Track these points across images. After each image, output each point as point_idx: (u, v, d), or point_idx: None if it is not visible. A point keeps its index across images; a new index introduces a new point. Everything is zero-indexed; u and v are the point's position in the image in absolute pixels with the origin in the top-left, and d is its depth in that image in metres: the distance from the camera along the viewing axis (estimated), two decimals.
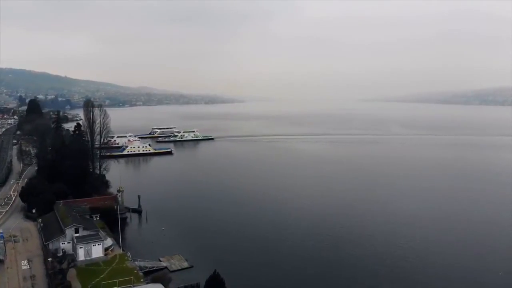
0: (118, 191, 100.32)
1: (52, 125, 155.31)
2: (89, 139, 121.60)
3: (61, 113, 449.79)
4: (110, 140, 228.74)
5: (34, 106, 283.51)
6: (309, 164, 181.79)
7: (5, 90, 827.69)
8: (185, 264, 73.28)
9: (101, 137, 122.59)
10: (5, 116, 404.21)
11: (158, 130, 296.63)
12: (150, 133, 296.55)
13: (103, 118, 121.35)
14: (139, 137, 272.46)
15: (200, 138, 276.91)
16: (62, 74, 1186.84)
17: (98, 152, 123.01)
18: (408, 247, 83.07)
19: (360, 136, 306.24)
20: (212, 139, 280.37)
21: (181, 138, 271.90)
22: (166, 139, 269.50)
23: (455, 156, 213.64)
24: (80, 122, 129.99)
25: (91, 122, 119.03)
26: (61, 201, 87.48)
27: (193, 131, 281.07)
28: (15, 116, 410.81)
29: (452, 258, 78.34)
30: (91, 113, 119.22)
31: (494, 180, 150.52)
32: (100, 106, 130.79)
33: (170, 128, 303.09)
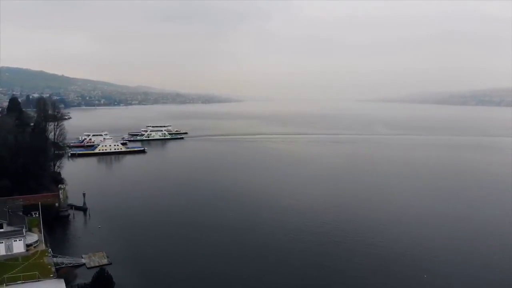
0: (60, 188, 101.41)
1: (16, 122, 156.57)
2: (45, 136, 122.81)
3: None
4: (85, 138, 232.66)
5: (14, 104, 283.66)
6: (274, 164, 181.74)
7: (1, 89, 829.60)
8: (105, 261, 74.17)
9: (54, 135, 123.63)
10: None
11: (151, 128, 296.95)
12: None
13: (57, 116, 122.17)
14: (132, 135, 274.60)
15: (168, 137, 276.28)
16: (59, 73, 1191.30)
17: (53, 150, 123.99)
18: (406, 247, 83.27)
19: (349, 136, 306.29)
20: (182, 138, 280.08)
21: (148, 137, 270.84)
22: (132, 138, 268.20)
23: (451, 156, 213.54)
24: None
25: (43, 120, 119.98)
26: None
27: (161, 130, 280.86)
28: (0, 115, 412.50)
29: (451, 257, 78.45)
30: (44, 111, 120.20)
31: (494, 180, 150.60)
32: (54, 104, 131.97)
33: (165, 126, 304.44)
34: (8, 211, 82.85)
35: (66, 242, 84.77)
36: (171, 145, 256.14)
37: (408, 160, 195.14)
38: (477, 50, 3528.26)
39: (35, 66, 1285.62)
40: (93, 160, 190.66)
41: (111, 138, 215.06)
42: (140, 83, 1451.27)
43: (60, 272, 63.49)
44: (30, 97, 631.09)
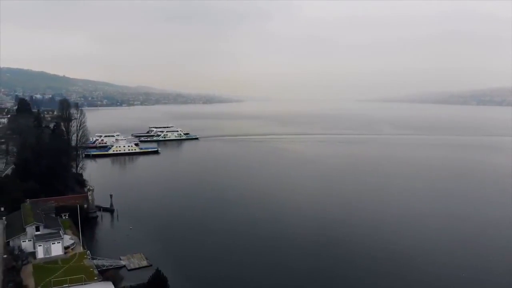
0: (88, 190, 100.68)
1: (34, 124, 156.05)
2: (66, 138, 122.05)
3: (55, 112, 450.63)
4: (97, 139, 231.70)
5: (23, 105, 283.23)
6: (300, 164, 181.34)
7: (2, 90, 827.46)
8: (144, 263, 73.65)
9: (77, 136, 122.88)
10: None
11: (155, 129, 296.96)
12: (147, 132, 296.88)
13: (79, 118, 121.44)
14: (135, 136, 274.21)
15: (183, 138, 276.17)
16: (60, 73, 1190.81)
17: (76, 151, 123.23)
18: (407, 246, 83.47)
19: (353, 136, 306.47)
20: (197, 138, 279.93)
21: (164, 137, 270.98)
22: (148, 139, 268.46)
23: (457, 157, 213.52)
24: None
25: (66, 121, 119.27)
26: (28, 199, 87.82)
27: (177, 131, 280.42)
28: (9, 116, 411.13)
29: (451, 257, 78.56)
30: (67, 112, 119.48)
31: (495, 180, 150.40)
32: (76, 105, 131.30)
33: (168, 127, 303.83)
34: (42, 213, 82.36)
35: (100, 243, 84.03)
36: (186, 145, 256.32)
37: (414, 160, 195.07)
38: (477, 50, 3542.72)
39: (35, 67, 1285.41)
40: (108, 161, 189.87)
41: (125, 139, 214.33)
42: (140, 84, 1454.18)
43: (106, 275, 62.71)
44: (34, 97, 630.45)
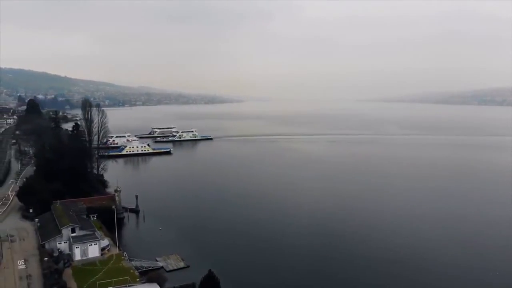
0: (116, 191, 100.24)
1: (52, 125, 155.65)
2: (87, 138, 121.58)
3: (60, 113, 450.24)
4: (108, 140, 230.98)
5: (33, 106, 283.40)
6: (307, 164, 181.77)
7: (4, 90, 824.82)
8: (182, 264, 73.40)
9: (99, 137, 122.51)
10: (4, 116, 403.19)
11: (158, 130, 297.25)
12: (150, 133, 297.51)
13: (101, 118, 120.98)
14: (139, 137, 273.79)
15: (198, 138, 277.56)
16: (62, 74, 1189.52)
17: (96, 151, 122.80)
18: (408, 246, 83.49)
19: (357, 136, 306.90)
20: (211, 139, 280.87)
21: (180, 138, 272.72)
22: (164, 139, 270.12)
23: (458, 157, 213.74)
24: (79, 122, 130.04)
25: (88, 121, 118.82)
26: (58, 200, 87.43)
27: (192, 131, 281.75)
28: (14, 116, 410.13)
29: (452, 257, 78.59)
30: (89, 112, 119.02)
31: (496, 180, 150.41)
32: (98, 106, 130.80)
33: (170, 128, 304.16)
34: (74, 215, 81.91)
35: (132, 245, 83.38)
36: (200, 145, 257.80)
37: (416, 160, 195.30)
38: (477, 50, 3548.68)
39: (37, 67, 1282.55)
40: (123, 161, 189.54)
41: (138, 140, 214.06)
42: (141, 84, 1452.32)
43: (149, 276, 62.28)
44: (36, 98, 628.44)
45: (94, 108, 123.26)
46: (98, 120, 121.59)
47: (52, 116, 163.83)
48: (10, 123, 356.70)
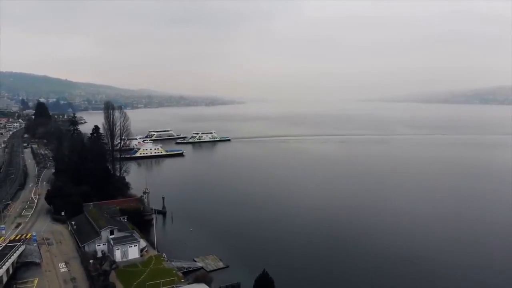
0: (144, 192, 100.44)
1: (70, 128, 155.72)
2: (109, 141, 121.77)
3: (65, 116, 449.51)
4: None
5: (42, 109, 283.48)
6: (324, 165, 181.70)
7: (6, 94, 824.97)
8: (221, 264, 73.58)
9: (121, 140, 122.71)
10: (10, 120, 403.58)
11: (155, 133, 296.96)
12: (146, 136, 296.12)
13: (123, 121, 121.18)
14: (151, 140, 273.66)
15: (217, 139, 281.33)
16: (63, 77, 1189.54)
17: (118, 154, 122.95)
18: (412, 246, 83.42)
19: (366, 136, 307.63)
20: (229, 140, 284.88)
21: (199, 139, 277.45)
22: (184, 141, 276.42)
23: (462, 156, 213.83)
24: (98, 124, 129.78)
25: (111, 124, 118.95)
26: (91, 203, 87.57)
27: (211, 133, 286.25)
28: (20, 120, 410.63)
29: (454, 257, 78.21)
30: (112, 115, 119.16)
31: (499, 180, 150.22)
32: (120, 108, 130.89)
33: (167, 131, 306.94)
34: (108, 217, 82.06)
35: (167, 246, 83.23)
36: (219, 146, 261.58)
37: (418, 161, 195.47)
38: (478, 50, 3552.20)
39: (38, 71, 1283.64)
40: (139, 163, 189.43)
41: (151, 142, 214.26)
42: (142, 86, 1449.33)
43: (196, 276, 62.44)
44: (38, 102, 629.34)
45: (117, 111, 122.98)
46: (121, 122, 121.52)
47: (72, 119, 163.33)
48: (17, 127, 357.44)
